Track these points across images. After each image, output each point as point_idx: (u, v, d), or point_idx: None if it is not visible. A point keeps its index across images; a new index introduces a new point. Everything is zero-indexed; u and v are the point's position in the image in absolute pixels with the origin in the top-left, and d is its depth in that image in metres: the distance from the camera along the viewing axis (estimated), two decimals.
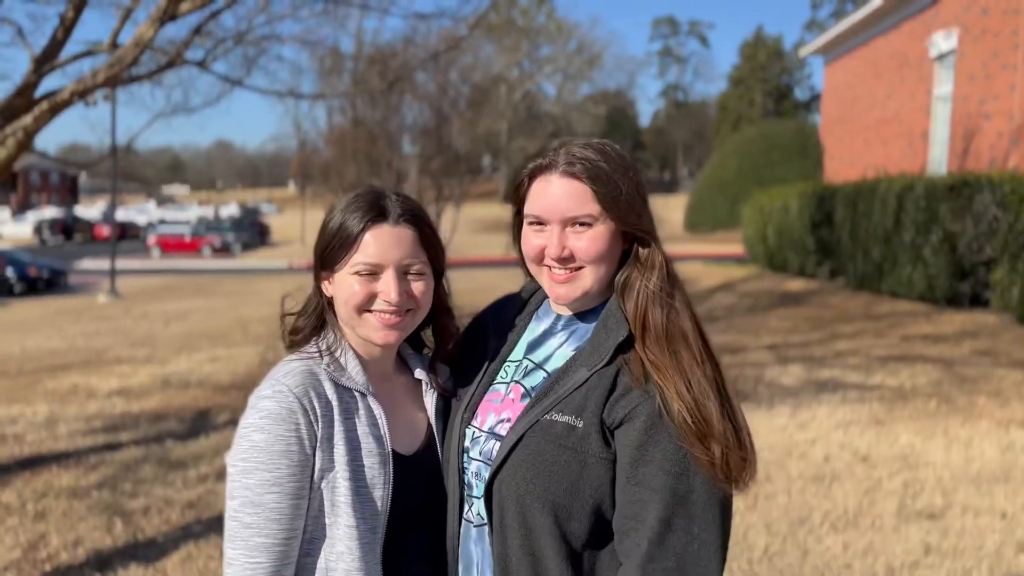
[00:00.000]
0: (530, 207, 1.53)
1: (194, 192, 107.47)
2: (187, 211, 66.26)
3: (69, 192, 77.65)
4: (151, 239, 40.56)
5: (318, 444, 1.46)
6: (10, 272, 23.67)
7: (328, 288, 1.59)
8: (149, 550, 4.56)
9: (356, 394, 1.54)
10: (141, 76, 6.19)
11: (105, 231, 46.97)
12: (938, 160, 16.00)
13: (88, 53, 5.73)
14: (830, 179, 21.08)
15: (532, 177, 1.54)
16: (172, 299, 19.99)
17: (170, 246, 39.75)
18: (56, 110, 4.99)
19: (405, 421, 1.62)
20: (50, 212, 57.03)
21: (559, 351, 1.56)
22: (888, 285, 12.42)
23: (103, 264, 26.77)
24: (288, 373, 1.50)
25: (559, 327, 1.60)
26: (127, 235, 49.48)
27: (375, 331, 1.54)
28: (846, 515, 4.62)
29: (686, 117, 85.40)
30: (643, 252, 1.50)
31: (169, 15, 4.97)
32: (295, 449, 1.44)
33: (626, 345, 1.45)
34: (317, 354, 1.55)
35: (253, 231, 45.08)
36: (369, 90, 11.17)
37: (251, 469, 1.43)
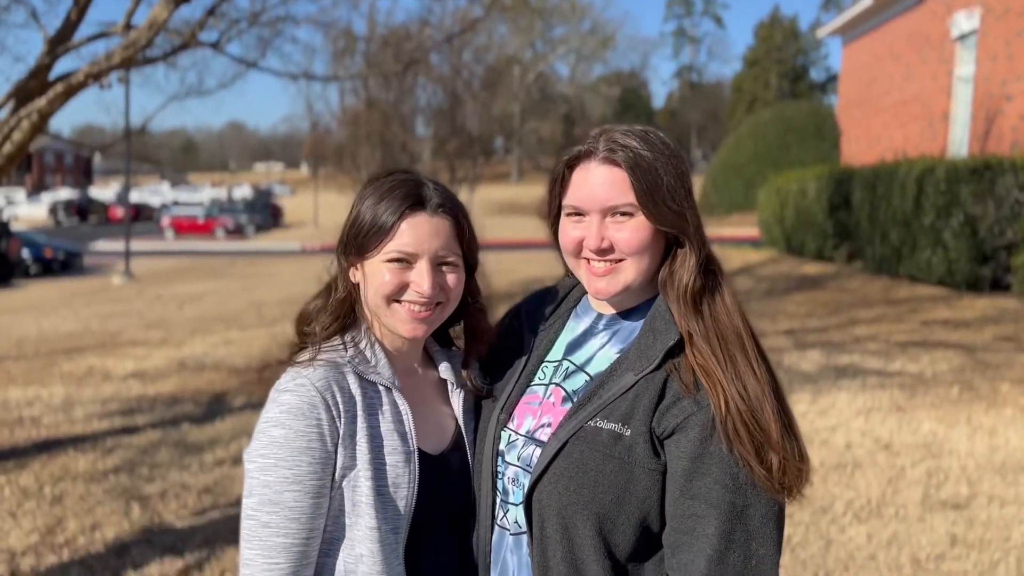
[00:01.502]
0: (569, 197, 1.46)
1: (207, 173, 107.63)
2: (200, 192, 66.45)
3: (83, 173, 77.93)
4: (165, 220, 40.67)
5: (340, 441, 1.40)
6: (26, 253, 23.79)
7: (355, 275, 1.51)
8: (166, 536, 4.55)
9: (381, 388, 1.48)
10: (155, 58, 6.14)
11: (119, 212, 47.09)
12: (958, 142, 15.78)
13: (102, 35, 5.67)
14: (847, 161, 20.87)
15: (571, 166, 1.46)
16: (186, 281, 20.04)
17: (184, 227, 39.85)
18: (70, 93, 4.94)
19: (432, 419, 1.56)
20: (65, 193, 57.26)
21: (601, 353, 1.49)
22: (907, 269, 12.29)
23: (118, 245, 26.83)
24: (310, 365, 1.43)
25: (600, 326, 1.52)
26: (141, 216, 49.67)
27: (403, 323, 1.47)
28: (869, 504, 4.55)
29: (700, 98, 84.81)
30: (685, 246, 1.43)
31: None
32: (316, 446, 1.38)
33: (676, 349, 1.38)
34: (341, 345, 1.48)
35: (266, 213, 45.15)
36: (383, 72, 11.09)
37: (270, 466, 1.37)
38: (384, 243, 1.44)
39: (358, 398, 1.43)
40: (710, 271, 1.43)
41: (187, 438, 6.34)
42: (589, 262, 1.44)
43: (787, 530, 4.28)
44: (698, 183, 37.29)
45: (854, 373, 7.41)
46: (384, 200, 1.45)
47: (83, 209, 50.51)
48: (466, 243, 1.52)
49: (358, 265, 1.50)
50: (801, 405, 6.42)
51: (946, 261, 11.14)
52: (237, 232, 40.10)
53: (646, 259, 1.43)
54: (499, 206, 43.01)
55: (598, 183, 1.41)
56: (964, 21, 15.38)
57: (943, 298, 10.83)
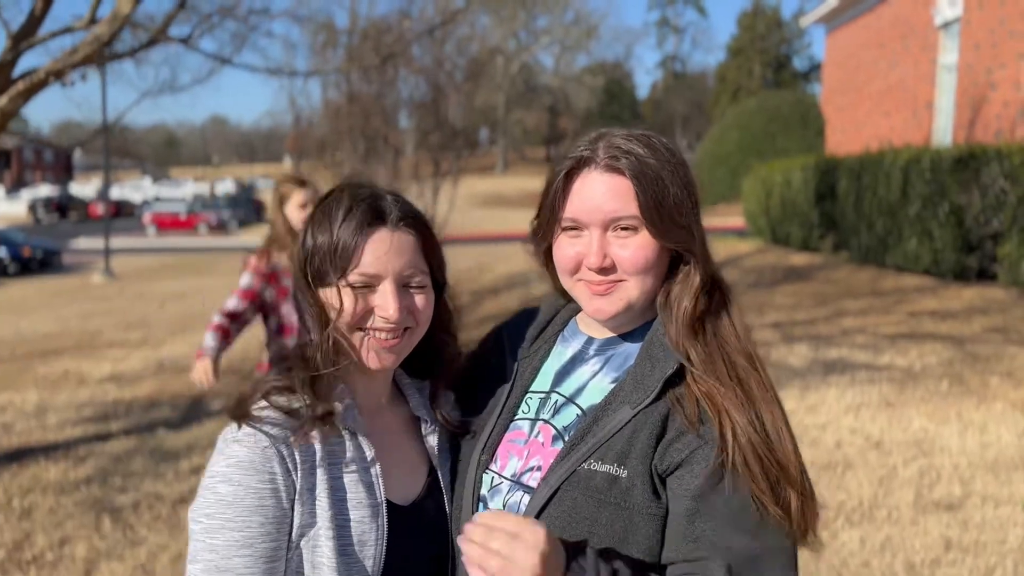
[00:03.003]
0: (565, 210, 1.30)
1: (189, 168, 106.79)
2: (183, 188, 65.85)
3: (64, 170, 77.08)
4: (146, 217, 40.26)
5: (297, 496, 1.23)
6: (3, 252, 23.46)
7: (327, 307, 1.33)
8: (138, 550, 4.39)
9: (344, 432, 1.30)
10: (123, 54, 5.94)
11: (100, 209, 46.60)
12: (943, 131, 15.74)
13: (67, 30, 5.47)
14: (832, 150, 20.82)
15: (569, 176, 1.30)
16: (168, 278, 19.78)
17: (166, 224, 39.46)
18: (31, 91, 4.75)
19: (403, 463, 1.39)
20: (45, 190, 56.60)
21: (593, 382, 1.33)
22: (893, 259, 12.23)
23: (98, 243, 26.50)
24: (263, 408, 1.26)
25: (591, 351, 1.36)
26: (122, 213, 49.15)
27: (368, 353, 1.31)
28: (861, 507, 4.45)
29: (684, 88, 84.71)
30: (690, 264, 1.28)
31: None
32: (270, 503, 1.21)
33: (677, 379, 1.23)
34: (297, 383, 1.29)
35: (249, 208, 44.77)
36: (362, 66, 10.90)
37: (217, 528, 1.20)
38: (344, 267, 1.27)
39: (318, 446, 1.27)
40: (715, 291, 1.29)
41: (163, 444, 6.18)
42: (587, 281, 1.29)
43: None
44: None
45: (843, 368, 7.31)
46: (339, 220, 1.29)
47: (63, 206, 49.91)
48: (433, 259, 1.37)
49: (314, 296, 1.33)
50: (790, 402, 6.32)
51: (932, 251, 11.08)
52: (220, 228, 39.73)
53: (650, 278, 1.28)
54: (484, 198, 42.78)
55: (599, 193, 1.26)
56: (947, 9, 15.31)
57: (930, 288, 10.77)
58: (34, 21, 5.73)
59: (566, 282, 1.34)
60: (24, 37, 5.65)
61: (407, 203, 1.36)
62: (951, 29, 15.48)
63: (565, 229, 1.31)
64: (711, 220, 25.71)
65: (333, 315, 1.29)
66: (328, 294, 1.30)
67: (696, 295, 1.27)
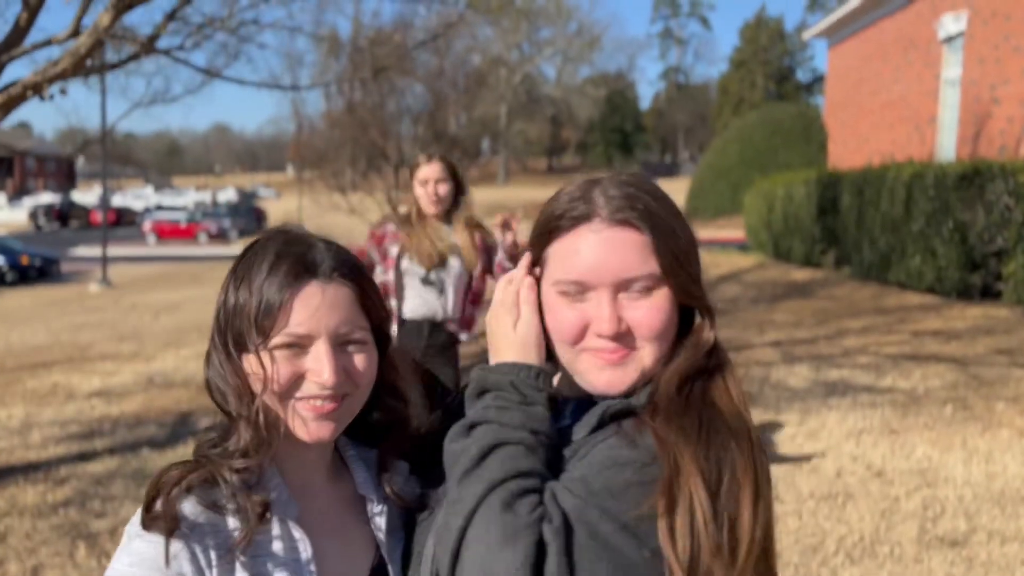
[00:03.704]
0: (562, 271, 1.13)
1: (192, 177, 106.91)
2: (185, 196, 65.85)
3: (66, 177, 77.17)
4: (147, 225, 40.23)
5: None
6: (1, 261, 23.35)
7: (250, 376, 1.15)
8: None
9: (273, 520, 1.13)
10: (107, 67, 5.81)
11: (100, 217, 46.61)
12: (946, 146, 15.60)
13: (48, 43, 5.34)
14: (834, 164, 20.71)
15: (556, 233, 1.14)
16: (165, 288, 19.65)
17: (166, 232, 39.41)
18: (10, 106, 4.62)
19: (343, 551, 1.20)
20: (47, 197, 56.61)
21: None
22: (896, 276, 12.07)
23: (98, 251, 26.42)
24: (175, 492, 1.08)
25: (567, 414, 1.19)
26: (123, 221, 49.12)
27: (303, 425, 1.13)
28: (863, 541, 4.29)
29: (687, 99, 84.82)
30: (703, 320, 1.15)
31: (128, 2, 4.58)
32: None
33: (624, 413, 1.10)
34: (220, 457, 1.11)
35: (250, 216, 44.71)
36: (358, 77, 10.78)
37: None
38: (268, 328, 1.11)
39: (239, 534, 1.09)
40: (714, 351, 1.14)
41: (146, 466, 6.02)
42: (596, 349, 1.12)
43: None
44: (685, 185, 37.15)
45: (844, 390, 7.15)
46: (263, 274, 1.13)
47: (64, 214, 49.87)
48: (374, 312, 1.20)
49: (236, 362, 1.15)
50: (790, 427, 6.16)
51: (935, 268, 10.93)
52: (220, 236, 39.65)
53: (665, 343, 1.12)
54: (485, 208, 42.68)
55: (609, 250, 1.09)
56: (951, 23, 15.20)
57: (933, 307, 10.60)
58: (19, 32, 5.61)
59: (565, 353, 1.15)
60: (8, 48, 5.52)
61: (342, 250, 1.20)
62: (955, 43, 15.37)
63: (562, 293, 1.13)
64: (712, 232, 25.63)
65: (258, 387, 1.13)
66: (250, 361, 1.13)
67: (704, 351, 1.12)
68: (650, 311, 1.10)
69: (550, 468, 1.06)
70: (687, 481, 0.98)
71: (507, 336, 1.15)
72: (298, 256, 1.14)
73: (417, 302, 4.25)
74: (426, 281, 4.24)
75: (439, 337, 4.27)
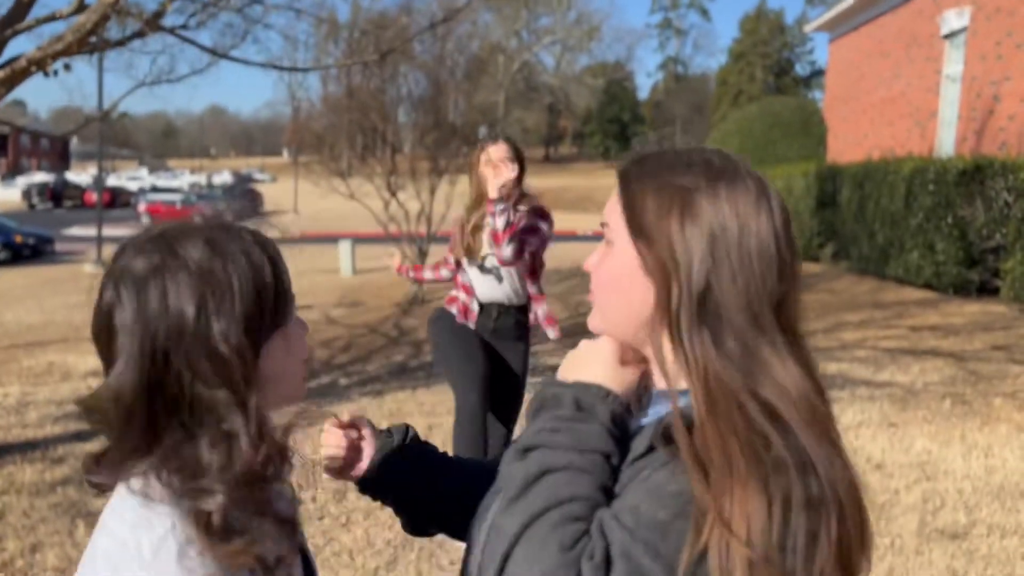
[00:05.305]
0: None
1: (187, 160, 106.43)
2: (180, 178, 65.59)
3: (60, 157, 76.74)
4: (141, 207, 40.02)
5: None
6: None
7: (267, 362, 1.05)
8: None
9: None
10: (112, 43, 5.75)
11: (95, 197, 46.38)
12: (946, 142, 15.60)
13: (51, 18, 5.29)
14: (834, 158, 20.68)
15: None
16: None
17: (161, 214, 39.20)
18: (13, 81, 4.57)
19: None
20: (40, 177, 56.29)
21: None
22: (894, 270, 12.09)
23: (92, 231, 26.28)
24: (155, 554, 0.93)
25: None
26: (118, 202, 48.81)
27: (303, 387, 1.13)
28: None
29: (685, 91, 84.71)
30: None
31: None
32: None
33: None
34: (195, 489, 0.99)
35: (245, 199, 44.51)
36: (361, 61, 10.73)
37: None
38: (292, 297, 1.09)
39: None
40: None
41: None
42: None
43: None
44: None
45: (843, 383, 7.16)
46: (258, 248, 1.06)
47: (58, 193, 49.58)
48: None
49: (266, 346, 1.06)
50: None
51: (934, 263, 10.95)
52: None
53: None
54: None
55: None
56: (954, 19, 15.17)
57: (931, 302, 10.62)
58: (21, 7, 5.55)
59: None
60: (11, 23, 5.46)
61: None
62: (957, 39, 15.34)
63: None
64: None
65: (286, 360, 1.09)
66: (287, 334, 1.08)
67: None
68: None
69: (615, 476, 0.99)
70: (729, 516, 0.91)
71: (586, 354, 1.07)
72: (256, 221, 1.14)
73: (484, 288, 4.29)
74: (483, 269, 4.25)
75: (507, 320, 4.30)
